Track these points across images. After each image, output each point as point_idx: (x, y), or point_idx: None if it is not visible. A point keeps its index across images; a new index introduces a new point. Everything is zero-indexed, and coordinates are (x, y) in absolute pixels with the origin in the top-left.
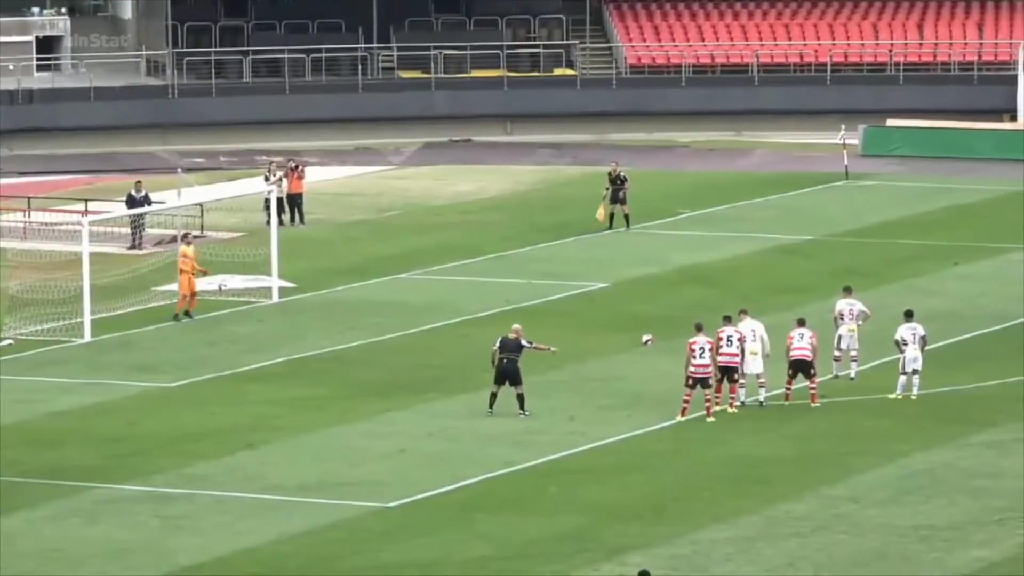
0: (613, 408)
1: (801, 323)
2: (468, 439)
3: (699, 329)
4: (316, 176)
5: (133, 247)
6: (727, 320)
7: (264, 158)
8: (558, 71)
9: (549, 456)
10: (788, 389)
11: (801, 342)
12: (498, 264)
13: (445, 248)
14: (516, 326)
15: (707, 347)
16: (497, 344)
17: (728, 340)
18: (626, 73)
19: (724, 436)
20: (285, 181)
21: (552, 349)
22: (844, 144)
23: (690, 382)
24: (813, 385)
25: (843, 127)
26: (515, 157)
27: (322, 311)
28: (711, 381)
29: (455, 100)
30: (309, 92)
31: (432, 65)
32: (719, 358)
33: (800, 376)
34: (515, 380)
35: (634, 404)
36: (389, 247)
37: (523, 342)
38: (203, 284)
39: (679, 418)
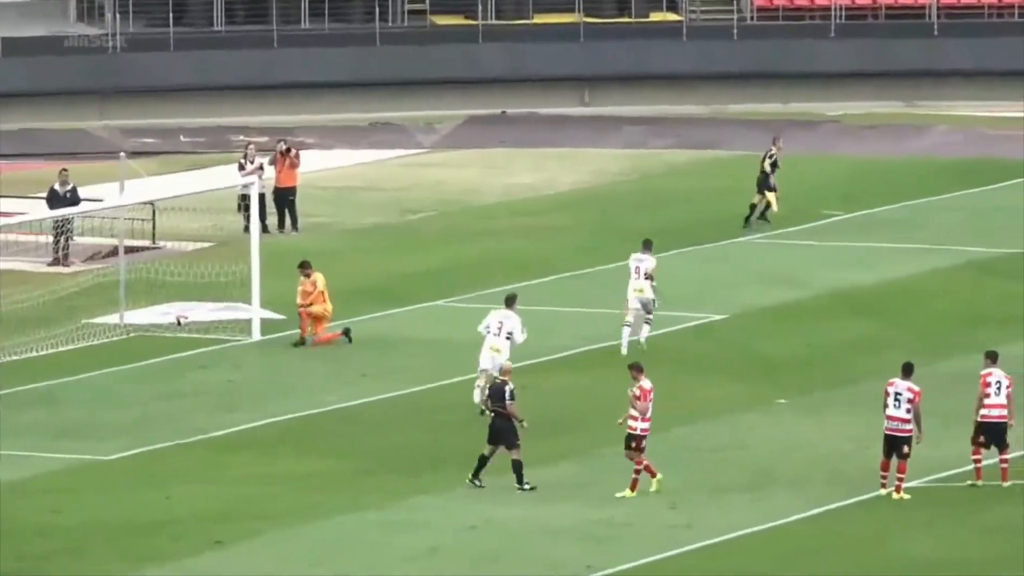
0: (733, 490)
1: (993, 358)
2: (525, 533)
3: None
4: (315, 163)
5: (56, 262)
6: (907, 371)
7: (241, 138)
8: (656, 16)
9: (642, 559)
10: (978, 463)
11: (998, 395)
12: (572, 286)
13: (497, 264)
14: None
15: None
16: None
17: (896, 399)
18: (752, 19)
19: (889, 530)
20: (271, 170)
21: (523, 423)
22: None
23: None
24: (1005, 458)
25: None
26: (595, 137)
27: (324, 353)
28: (906, 447)
29: (511, 57)
30: (306, 45)
31: (479, 7)
32: (885, 424)
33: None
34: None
35: (763, 485)
36: (419, 262)
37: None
38: (157, 315)
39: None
